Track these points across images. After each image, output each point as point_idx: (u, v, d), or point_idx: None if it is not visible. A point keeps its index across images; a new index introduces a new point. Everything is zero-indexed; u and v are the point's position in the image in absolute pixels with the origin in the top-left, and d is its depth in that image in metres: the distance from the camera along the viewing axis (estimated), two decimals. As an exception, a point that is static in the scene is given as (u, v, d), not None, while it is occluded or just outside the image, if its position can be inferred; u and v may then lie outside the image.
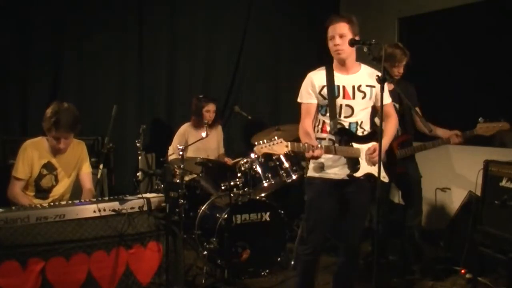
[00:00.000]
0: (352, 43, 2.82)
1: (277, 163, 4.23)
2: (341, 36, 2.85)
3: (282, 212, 4.03)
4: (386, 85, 2.66)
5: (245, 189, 4.14)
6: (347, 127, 2.94)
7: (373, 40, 2.72)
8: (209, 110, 4.71)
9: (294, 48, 5.94)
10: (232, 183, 4.14)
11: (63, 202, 3.24)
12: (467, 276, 3.79)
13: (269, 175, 4.23)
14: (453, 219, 4.29)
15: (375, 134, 2.97)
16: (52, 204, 3.10)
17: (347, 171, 2.92)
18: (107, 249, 2.99)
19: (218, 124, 4.94)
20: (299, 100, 3.05)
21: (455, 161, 4.92)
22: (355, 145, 2.90)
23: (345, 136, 2.91)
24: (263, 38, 5.79)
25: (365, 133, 2.98)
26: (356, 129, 2.95)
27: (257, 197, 4.15)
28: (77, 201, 3.16)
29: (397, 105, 3.88)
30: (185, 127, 4.78)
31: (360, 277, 3.18)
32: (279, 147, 2.70)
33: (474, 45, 4.81)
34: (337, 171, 2.95)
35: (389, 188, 4.07)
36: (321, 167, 2.99)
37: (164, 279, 3.11)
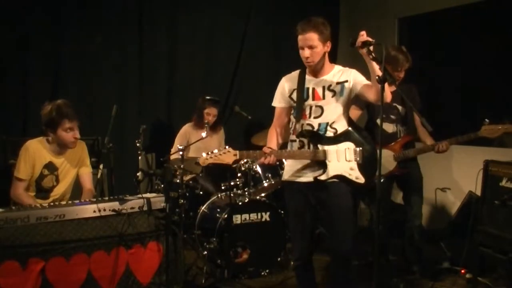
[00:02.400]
0: (352, 43, 2.80)
1: (277, 163, 4.22)
2: (310, 47, 2.90)
3: (282, 212, 4.03)
4: (385, 87, 2.65)
5: (245, 189, 4.14)
6: (316, 127, 2.89)
7: (374, 40, 2.72)
8: (210, 114, 4.70)
9: (294, 48, 5.91)
10: (232, 183, 4.14)
11: (63, 202, 3.24)
12: (467, 276, 3.79)
13: (269, 175, 4.24)
14: (453, 219, 4.29)
15: (348, 134, 2.92)
16: (52, 204, 3.11)
17: (314, 174, 2.87)
18: (107, 249, 2.99)
19: (220, 128, 4.93)
20: (272, 104, 3.13)
21: (455, 161, 4.92)
22: (324, 147, 2.84)
23: (311, 138, 2.89)
24: (263, 38, 5.79)
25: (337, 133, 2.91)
26: (326, 129, 2.89)
27: (257, 197, 4.15)
28: (77, 201, 3.16)
29: (399, 107, 3.88)
30: (186, 128, 4.78)
31: (360, 277, 3.18)
32: (227, 156, 2.73)
33: (474, 45, 4.81)
34: (305, 174, 2.91)
35: (389, 188, 4.07)
36: (289, 171, 2.97)
37: (164, 279, 3.12)
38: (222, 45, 5.58)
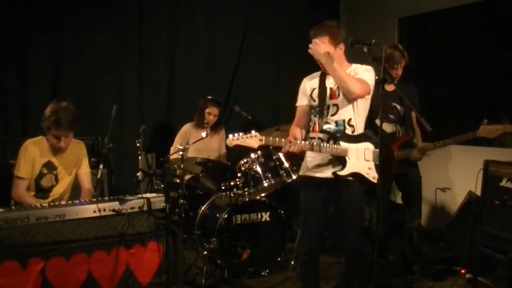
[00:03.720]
0: (352, 43, 2.82)
1: (277, 163, 4.22)
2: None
3: (282, 212, 4.03)
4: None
5: (245, 189, 4.14)
6: (334, 125, 2.95)
7: (373, 40, 2.72)
8: (211, 113, 4.69)
9: (294, 48, 5.94)
10: (232, 183, 4.14)
11: (63, 202, 3.24)
12: (467, 276, 3.79)
13: (269, 175, 4.23)
14: (453, 219, 4.29)
15: (367, 135, 2.99)
16: (52, 204, 3.10)
17: (333, 170, 2.93)
18: (107, 249, 2.99)
19: (221, 129, 4.93)
20: (296, 104, 3.17)
21: (455, 161, 4.92)
22: (343, 144, 2.90)
23: (333, 135, 2.94)
24: (263, 37, 5.78)
25: (355, 132, 2.97)
26: (344, 127, 2.95)
27: (257, 197, 4.15)
28: (77, 201, 3.16)
29: (398, 106, 3.88)
30: (187, 127, 4.77)
31: (360, 277, 3.17)
32: (253, 140, 2.77)
33: (474, 45, 4.81)
34: (324, 169, 2.97)
35: (389, 188, 4.07)
36: (308, 166, 3.04)
37: (164, 279, 3.11)
38: (222, 45, 5.58)
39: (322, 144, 2.88)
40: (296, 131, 3.12)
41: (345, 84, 2.82)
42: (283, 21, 5.90)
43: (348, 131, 2.96)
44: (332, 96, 2.99)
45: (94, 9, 4.80)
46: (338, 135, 2.91)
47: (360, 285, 3.06)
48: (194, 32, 5.38)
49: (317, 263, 3.17)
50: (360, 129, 2.99)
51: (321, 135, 2.97)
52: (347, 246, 3.05)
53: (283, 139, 2.83)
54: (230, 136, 2.79)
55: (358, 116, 2.99)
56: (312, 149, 2.90)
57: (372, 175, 2.92)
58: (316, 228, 3.06)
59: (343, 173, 2.89)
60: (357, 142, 2.94)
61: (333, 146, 2.89)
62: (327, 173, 2.95)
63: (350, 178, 2.91)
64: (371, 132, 3.01)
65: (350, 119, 2.97)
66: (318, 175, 2.98)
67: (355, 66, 3.02)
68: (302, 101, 3.12)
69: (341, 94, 2.96)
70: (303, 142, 2.88)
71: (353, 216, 2.99)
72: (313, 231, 3.06)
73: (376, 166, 2.94)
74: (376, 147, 2.96)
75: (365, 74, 2.93)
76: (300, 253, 3.12)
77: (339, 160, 2.92)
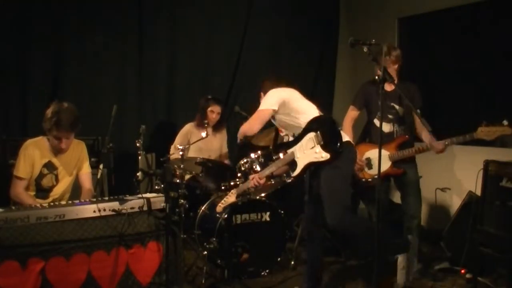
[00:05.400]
0: (352, 43, 2.82)
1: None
2: None
3: (282, 212, 4.03)
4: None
5: (245, 189, 4.14)
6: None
7: (373, 40, 2.72)
8: (213, 111, 4.70)
9: (294, 48, 5.94)
10: (232, 183, 4.13)
11: (63, 202, 3.24)
12: (467, 276, 3.79)
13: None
14: (453, 219, 4.29)
15: (305, 129, 3.29)
16: (52, 204, 3.10)
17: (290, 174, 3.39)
18: (107, 249, 2.99)
19: (223, 128, 4.93)
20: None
21: (455, 161, 4.92)
22: (291, 149, 3.33)
23: (282, 149, 3.38)
24: (263, 38, 5.78)
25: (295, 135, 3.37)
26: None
27: (257, 197, 4.15)
28: (77, 201, 3.16)
29: (397, 106, 3.88)
30: (188, 127, 4.77)
31: (360, 277, 3.18)
32: (231, 197, 3.56)
33: (474, 45, 4.81)
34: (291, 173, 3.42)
35: (386, 188, 4.08)
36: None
37: (164, 279, 3.11)
38: (222, 45, 5.58)
39: (275, 162, 3.40)
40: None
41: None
42: (283, 21, 5.89)
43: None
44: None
45: (94, 9, 4.79)
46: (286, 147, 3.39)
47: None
48: (194, 32, 5.38)
49: (315, 237, 3.49)
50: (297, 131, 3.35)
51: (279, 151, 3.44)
52: (328, 222, 3.26)
53: (246, 184, 3.46)
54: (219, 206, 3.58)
55: (288, 128, 3.43)
56: (270, 172, 3.41)
57: (320, 155, 3.19)
58: (311, 202, 3.42)
59: (296, 172, 3.28)
60: (300, 140, 3.29)
61: (282, 158, 3.36)
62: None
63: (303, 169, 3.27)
64: (307, 124, 3.29)
65: (287, 134, 3.46)
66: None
67: None
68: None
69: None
70: (260, 173, 3.43)
71: (328, 194, 3.22)
72: (309, 206, 3.43)
73: (322, 146, 3.18)
74: (316, 131, 3.23)
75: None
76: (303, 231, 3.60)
77: (292, 163, 3.32)
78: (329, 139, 3.17)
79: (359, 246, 3.71)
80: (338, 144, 3.15)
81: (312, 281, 3.49)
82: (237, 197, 3.55)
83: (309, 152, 3.23)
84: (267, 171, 3.39)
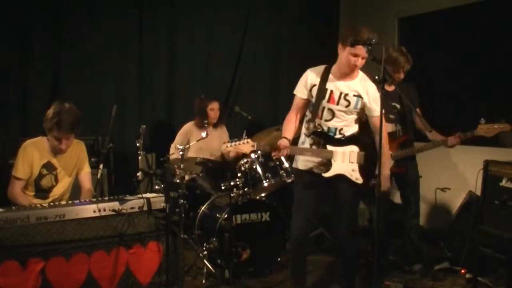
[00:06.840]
0: (352, 43, 2.83)
1: (277, 163, 4.23)
2: (362, 58, 2.97)
3: (282, 212, 4.03)
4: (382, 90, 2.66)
5: (245, 189, 4.14)
6: (325, 130, 3.09)
7: (373, 40, 2.72)
8: (213, 108, 4.73)
9: (294, 48, 5.94)
10: (232, 183, 4.14)
11: (63, 202, 3.24)
12: (467, 276, 3.79)
13: (269, 175, 4.23)
14: (453, 219, 4.29)
15: (355, 138, 3.11)
16: (52, 204, 3.10)
17: (319, 170, 3.11)
18: (107, 249, 2.99)
19: (222, 124, 4.94)
20: (294, 91, 3.21)
21: (455, 161, 4.92)
22: (330, 147, 3.06)
23: (321, 138, 3.08)
24: (263, 38, 5.79)
25: (344, 137, 3.11)
26: (335, 134, 3.09)
27: (257, 197, 4.15)
28: (77, 201, 3.16)
29: (398, 106, 3.89)
30: (188, 126, 4.78)
31: (360, 277, 3.18)
32: (246, 146, 3.01)
33: (474, 45, 4.81)
34: (314, 167, 3.14)
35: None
36: (302, 160, 3.18)
37: (164, 279, 3.11)
38: (222, 45, 5.58)
39: (310, 148, 3.08)
40: (288, 126, 3.14)
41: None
42: (283, 22, 5.90)
43: (338, 136, 3.09)
44: (330, 100, 3.05)
45: (94, 9, 4.79)
46: (326, 140, 3.07)
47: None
48: (194, 32, 5.38)
49: (305, 249, 3.32)
50: (349, 134, 3.12)
51: (310, 138, 3.12)
52: (340, 238, 3.20)
53: (273, 144, 3.00)
54: (224, 146, 3.01)
55: (352, 124, 3.13)
56: (300, 154, 3.11)
57: (355, 176, 3.06)
58: (307, 213, 3.19)
59: (327, 174, 3.06)
60: (344, 145, 3.08)
61: (320, 150, 3.05)
62: (316, 170, 3.12)
63: (333, 178, 3.06)
64: (359, 135, 3.13)
65: (342, 128, 3.10)
66: (312, 170, 3.14)
67: (364, 76, 3.13)
68: (301, 94, 3.16)
69: (341, 104, 3.04)
70: (291, 147, 3.03)
71: (345, 210, 3.14)
72: (303, 216, 3.18)
73: (360, 167, 3.06)
74: (361, 149, 3.08)
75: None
76: (290, 239, 3.31)
77: (326, 161, 3.08)
78: (368, 168, 3.06)
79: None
80: (372, 181, 3.05)
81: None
82: (251, 151, 3.21)
83: (347, 164, 3.07)
84: (298, 151, 3.16)
